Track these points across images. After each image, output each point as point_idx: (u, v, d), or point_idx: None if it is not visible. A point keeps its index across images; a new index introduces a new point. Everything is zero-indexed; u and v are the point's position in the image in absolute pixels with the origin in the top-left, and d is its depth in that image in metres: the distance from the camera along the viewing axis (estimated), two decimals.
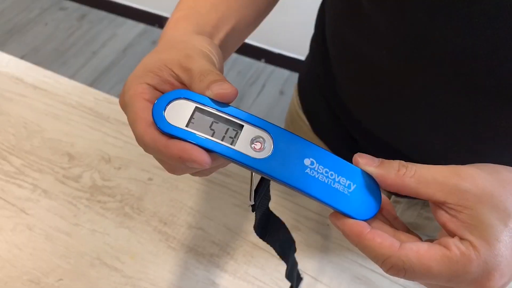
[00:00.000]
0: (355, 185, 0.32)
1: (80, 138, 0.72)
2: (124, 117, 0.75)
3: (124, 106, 0.35)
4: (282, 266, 0.59)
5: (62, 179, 0.67)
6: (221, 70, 0.37)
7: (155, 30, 2.43)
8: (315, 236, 0.62)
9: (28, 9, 2.54)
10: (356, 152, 0.58)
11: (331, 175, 0.31)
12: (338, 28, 0.50)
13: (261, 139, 0.32)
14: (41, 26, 2.43)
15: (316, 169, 0.31)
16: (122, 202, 0.65)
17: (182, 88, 0.34)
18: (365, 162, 0.31)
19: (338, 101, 0.56)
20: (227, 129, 0.32)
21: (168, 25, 0.42)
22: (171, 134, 0.31)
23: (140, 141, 0.32)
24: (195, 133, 0.31)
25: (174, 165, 0.33)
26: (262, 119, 0.32)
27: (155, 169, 0.68)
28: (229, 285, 0.58)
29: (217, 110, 0.32)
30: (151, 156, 0.72)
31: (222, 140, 0.31)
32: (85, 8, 2.57)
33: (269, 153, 0.31)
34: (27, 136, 0.72)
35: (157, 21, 2.42)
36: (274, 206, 0.65)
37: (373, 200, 0.32)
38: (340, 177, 0.32)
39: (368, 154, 0.57)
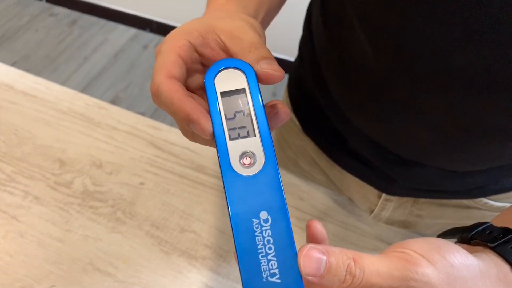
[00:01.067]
0: (279, 281, 0.26)
1: (71, 144, 0.72)
2: (114, 123, 0.75)
3: (157, 53, 0.33)
4: None
5: (53, 185, 0.67)
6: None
7: (146, 34, 2.43)
8: None
9: (18, 16, 2.53)
10: (347, 152, 0.59)
11: (269, 248, 0.26)
12: (324, 29, 0.50)
13: (254, 157, 0.28)
14: (31, 33, 2.43)
15: (263, 229, 0.27)
16: (114, 207, 0.65)
17: (223, 55, 0.33)
18: (308, 271, 0.26)
19: (327, 101, 0.56)
20: (242, 126, 0.29)
21: (212, 5, 0.41)
22: (205, 90, 0.30)
23: (155, 89, 0.31)
24: (217, 105, 0.29)
25: (181, 125, 0.32)
26: (272, 146, 0.29)
27: (146, 174, 0.68)
28: (222, 287, 0.58)
29: (254, 106, 0.29)
30: (143, 160, 0.72)
31: (228, 129, 0.29)
32: (75, 14, 2.56)
33: (245, 175, 0.28)
34: (18, 143, 0.71)
35: (148, 25, 2.42)
36: None
37: None
38: (274, 259, 0.26)
39: (358, 153, 0.58)
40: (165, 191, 0.67)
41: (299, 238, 0.62)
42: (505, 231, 0.32)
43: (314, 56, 0.56)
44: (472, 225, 0.34)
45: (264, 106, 0.30)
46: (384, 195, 0.60)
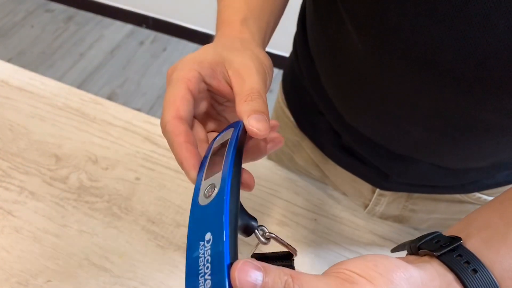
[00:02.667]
0: None
1: (66, 139, 0.72)
2: (110, 118, 0.75)
3: (169, 79, 0.36)
4: None
5: (49, 181, 0.67)
6: (268, 89, 0.39)
7: (142, 30, 2.42)
8: (302, 231, 0.63)
9: (13, 12, 2.51)
10: (341, 148, 0.59)
11: (207, 268, 0.26)
12: (317, 25, 0.50)
13: (213, 190, 0.29)
14: (27, 29, 2.42)
15: (206, 249, 0.26)
16: (110, 202, 0.65)
17: (228, 89, 0.36)
18: (243, 283, 0.24)
19: (321, 97, 0.56)
20: (215, 168, 0.31)
21: (227, 30, 0.42)
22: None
23: (163, 125, 0.34)
24: (208, 155, 0.34)
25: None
26: (231, 177, 0.30)
27: (142, 169, 0.69)
28: None
29: (229, 146, 0.32)
30: (138, 156, 0.72)
31: (204, 173, 0.32)
32: (71, 10, 2.55)
33: (202, 204, 0.29)
34: (13, 139, 0.71)
35: (144, 21, 2.41)
36: (262, 202, 0.66)
37: None
38: (209, 278, 0.25)
39: (352, 148, 0.58)
40: (161, 186, 0.67)
41: (294, 232, 0.63)
42: (452, 239, 0.32)
43: (308, 52, 0.56)
44: (421, 235, 0.34)
45: (236, 148, 0.32)
46: (378, 190, 0.61)
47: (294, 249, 0.33)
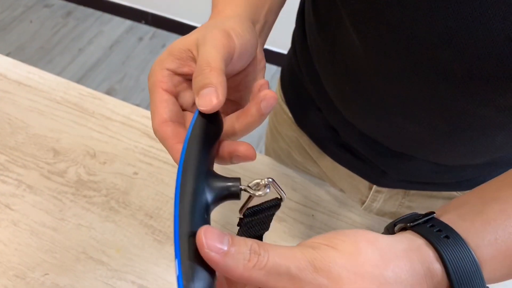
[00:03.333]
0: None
1: (65, 133, 0.72)
2: (108, 113, 0.75)
3: (149, 89, 0.37)
4: None
5: (47, 175, 0.67)
6: (252, 55, 0.38)
7: (141, 26, 2.42)
8: (299, 226, 0.63)
9: (12, 7, 2.51)
10: (338, 144, 0.59)
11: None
12: (316, 22, 0.51)
13: None
14: (26, 24, 2.41)
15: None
16: (107, 196, 0.65)
17: None
18: (211, 243, 0.24)
19: (319, 94, 0.57)
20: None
21: (218, 14, 0.42)
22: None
23: (154, 133, 0.36)
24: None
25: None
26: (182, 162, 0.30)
27: (140, 163, 0.69)
28: None
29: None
30: (136, 150, 0.72)
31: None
32: (71, 5, 2.54)
33: None
34: (11, 132, 0.71)
35: (144, 17, 2.41)
36: (260, 198, 0.66)
37: None
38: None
39: (349, 145, 0.58)
40: (159, 181, 0.67)
41: (291, 227, 0.63)
42: (427, 214, 0.32)
43: (307, 48, 0.56)
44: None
45: (192, 129, 0.33)
46: (375, 187, 0.61)
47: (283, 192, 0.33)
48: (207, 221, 0.29)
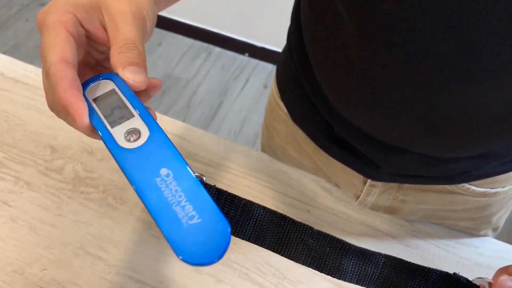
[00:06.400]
0: (199, 220, 0.27)
1: (62, 130, 0.72)
2: None
3: (42, 25, 0.34)
4: (264, 252, 0.61)
5: (44, 171, 0.67)
6: (150, 34, 0.37)
7: None
8: None
9: (8, 5, 2.50)
10: (333, 139, 0.60)
11: (180, 196, 0.28)
12: (311, 16, 0.51)
13: (138, 132, 0.31)
14: (21, 23, 2.41)
15: (167, 182, 0.29)
16: (105, 192, 0.65)
17: (105, 35, 0.35)
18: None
19: (313, 89, 0.57)
20: (121, 116, 0.32)
21: None
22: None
23: (47, 69, 0.32)
24: (94, 107, 0.33)
25: (58, 109, 0.34)
26: (152, 116, 0.32)
27: None
28: (211, 271, 0.59)
29: (124, 95, 0.33)
30: None
31: (108, 122, 0.32)
32: None
33: (134, 147, 0.31)
34: (8, 130, 0.72)
35: None
36: (254, 193, 0.67)
37: (212, 246, 0.27)
38: (187, 203, 0.28)
39: (344, 140, 0.59)
40: None
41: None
42: None
43: (302, 45, 0.57)
44: None
45: (134, 93, 0.33)
46: (369, 181, 0.62)
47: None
48: None
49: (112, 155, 0.31)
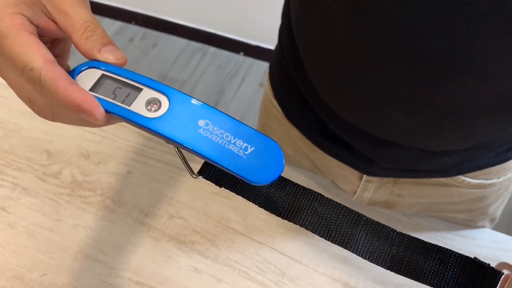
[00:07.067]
0: (252, 148, 0.31)
1: (58, 135, 0.72)
2: None
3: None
4: (263, 250, 0.61)
5: (42, 177, 0.67)
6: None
7: (132, 27, 2.41)
8: None
9: None
10: (327, 136, 0.60)
11: (227, 137, 0.31)
12: (301, 14, 0.51)
13: (157, 101, 0.32)
14: None
15: (210, 130, 0.31)
16: (102, 196, 0.66)
17: (55, 27, 0.34)
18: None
19: (306, 86, 0.57)
20: (128, 93, 0.33)
21: None
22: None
23: (36, 75, 0.30)
24: (97, 95, 0.33)
25: (61, 110, 0.33)
26: (161, 83, 0.33)
27: (133, 162, 0.69)
28: (211, 270, 0.59)
29: (118, 75, 0.33)
30: (130, 150, 0.73)
31: (121, 102, 0.33)
32: None
33: (163, 113, 0.32)
34: (4, 136, 0.72)
35: (134, 18, 2.41)
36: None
37: (272, 164, 0.32)
38: (236, 139, 0.31)
39: (338, 136, 0.59)
40: (153, 179, 0.68)
41: (285, 220, 0.64)
42: None
43: (293, 43, 0.57)
44: None
45: (125, 69, 0.34)
46: (365, 176, 0.62)
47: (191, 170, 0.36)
48: None
49: (149, 129, 0.32)
